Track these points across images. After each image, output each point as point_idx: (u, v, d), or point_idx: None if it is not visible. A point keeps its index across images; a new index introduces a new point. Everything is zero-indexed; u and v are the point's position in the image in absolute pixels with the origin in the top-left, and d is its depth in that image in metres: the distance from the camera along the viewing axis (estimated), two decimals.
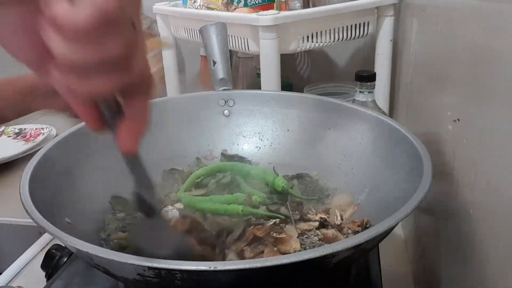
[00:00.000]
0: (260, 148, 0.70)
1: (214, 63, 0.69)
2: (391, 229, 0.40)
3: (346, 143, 0.63)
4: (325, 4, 0.87)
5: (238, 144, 0.71)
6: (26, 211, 0.42)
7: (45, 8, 0.25)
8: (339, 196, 0.60)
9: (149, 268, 0.35)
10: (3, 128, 1.16)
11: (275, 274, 0.36)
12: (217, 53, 0.69)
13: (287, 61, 1.20)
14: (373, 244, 0.42)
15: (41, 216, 0.41)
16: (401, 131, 0.54)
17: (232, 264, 0.35)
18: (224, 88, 0.70)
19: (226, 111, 0.71)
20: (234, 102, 0.71)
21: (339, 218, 0.54)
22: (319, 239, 0.51)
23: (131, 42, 0.27)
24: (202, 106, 0.71)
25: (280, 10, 0.85)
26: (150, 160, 0.65)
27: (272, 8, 0.90)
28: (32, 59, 0.28)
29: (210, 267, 0.33)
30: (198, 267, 0.34)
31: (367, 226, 0.52)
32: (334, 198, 0.60)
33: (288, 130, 0.69)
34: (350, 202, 0.58)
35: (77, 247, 0.37)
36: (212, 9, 0.91)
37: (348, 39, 0.91)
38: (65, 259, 0.56)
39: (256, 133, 0.71)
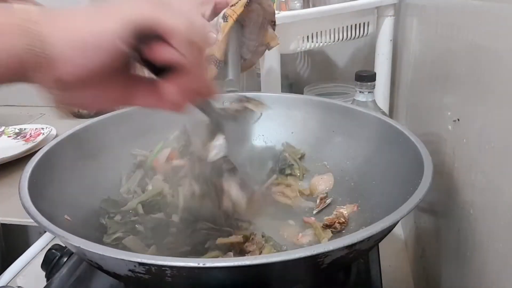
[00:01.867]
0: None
1: (225, 63, 0.69)
2: (388, 230, 0.40)
3: (350, 145, 0.63)
4: (325, 4, 0.87)
5: None
6: (23, 206, 0.42)
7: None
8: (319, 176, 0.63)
9: (140, 264, 0.35)
10: (3, 128, 1.16)
11: (265, 272, 0.36)
12: (228, 53, 0.69)
13: (287, 61, 1.20)
14: (368, 245, 0.41)
15: (37, 211, 0.41)
16: (403, 133, 0.54)
17: (221, 261, 0.35)
18: (231, 89, 0.70)
19: None
20: None
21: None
22: None
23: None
24: None
25: (280, 10, 0.85)
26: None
27: None
28: (117, 102, 0.38)
29: (199, 264, 0.33)
30: (187, 264, 0.34)
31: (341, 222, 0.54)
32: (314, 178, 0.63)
33: (292, 133, 0.69)
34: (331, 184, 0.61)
35: (70, 242, 0.37)
36: None
37: (348, 39, 0.91)
38: (65, 259, 0.56)
39: (260, 135, 0.71)
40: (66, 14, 0.32)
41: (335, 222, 0.54)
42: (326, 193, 0.60)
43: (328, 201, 0.58)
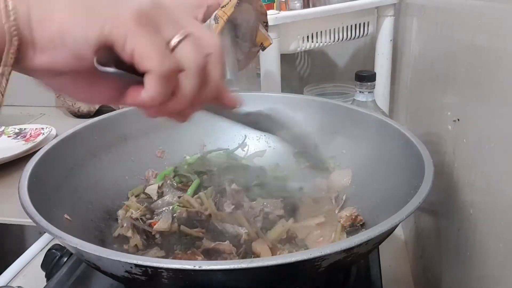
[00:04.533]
0: (265, 150, 0.70)
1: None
2: (387, 233, 0.39)
3: (350, 146, 0.63)
4: (325, 4, 0.87)
5: (243, 146, 0.71)
6: (22, 205, 0.42)
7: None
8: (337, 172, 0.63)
9: (136, 265, 0.35)
10: (3, 128, 1.16)
11: (262, 275, 0.36)
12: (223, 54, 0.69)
13: (287, 61, 1.20)
14: (367, 248, 0.41)
15: (35, 211, 0.41)
16: (404, 133, 0.54)
17: (217, 264, 0.35)
18: (230, 89, 0.70)
19: None
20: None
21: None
22: None
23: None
24: None
25: (280, 10, 0.85)
26: (155, 159, 0.66)
27: (272, 8, 0.90)
28: (109, 100, 0.36)
29: (195, 266, 0.33)
30: (183, 266, 0.34)
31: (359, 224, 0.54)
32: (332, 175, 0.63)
33: None
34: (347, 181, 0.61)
35: (67, 242, 0.37)
36: None
37: (348, 39, 0.91)
38: (65, 259, 0.56)
39: (262, 136, 0.71)
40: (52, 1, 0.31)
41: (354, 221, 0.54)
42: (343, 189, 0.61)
43: (344, 197, 0.59)
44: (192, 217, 0.54)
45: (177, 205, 0.57)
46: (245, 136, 0.71)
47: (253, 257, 0.48)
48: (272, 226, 0.54)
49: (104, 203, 0.58)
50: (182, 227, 0.52)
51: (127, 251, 0.51)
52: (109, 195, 0.59)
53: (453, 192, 0.48)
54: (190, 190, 0.59)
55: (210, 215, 0.53)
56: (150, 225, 0.54)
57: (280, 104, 0.70)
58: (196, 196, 0.58)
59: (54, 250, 0.58)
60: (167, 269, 0.34)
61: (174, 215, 0.55)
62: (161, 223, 0.52)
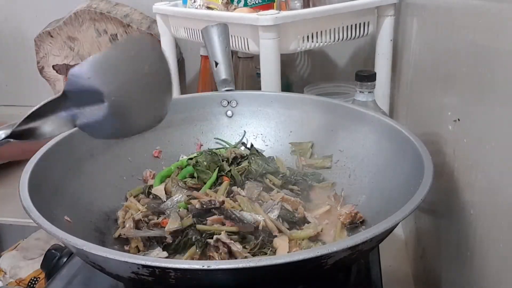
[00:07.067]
0: (262, 149, 0.70)
1: (216, 64, 0.69)
2: (389, 230, 0.40)
3: (349, 144, 0.63)
4: (325, 4, 0.87)
5: (240, 145, 0.71)
6: (24, 208, 0.42)
7: None
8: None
9: (143, 266, 0.35)
10: None
11: (269, 274, 0.36)
12: (219, 54, 0.69)
13: (287, 61, 1.20)
14: (371, 246, 0.42)
15: (38, 214, 0.41)
16: (404, 133, 0.54)
17: (225, 263, 0.35)
18: (226, 88, 0.71)
19: (229, 112, 0.71)
20: (237, 103, 0.71)
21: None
22: None
23: None
24: (205, 106, 0.71)
25: (280, 10, 0.85)
26: (152, 159, 0.66)
27: (272, 8, 0.90)
28: None
29: (203, 266, 0.33)
30: (192, 266, 0.34)
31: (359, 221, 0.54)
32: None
33: (291, 132, 0.69)
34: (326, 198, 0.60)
35: (73, 244, 0.37)
36: (212, 8, 0.91)
37: (348, 39, 0.91)
38: (65, 259, 0.56)
39: (259, 134, 0.71)
40: None
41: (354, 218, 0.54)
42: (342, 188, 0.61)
43: (342, 193, 0.59)
44: (206, 207, 0.52)
45: (184, 203, 0.55)
46: (244, 132, 0.71)
47: (270, 250, 0.48)
48: (287, 217, 0.53)
49: (103, 204, 0.57)
50: (199, 226, 0.50)
51: (128, 252, 0.51)
52: (108, 196, 0.59)
53: (454, 192, 0.48)
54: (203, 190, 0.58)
55: (223, 201, 0.52)
56: (156, 225, 0.53)
57: (278, 102, 0.70)
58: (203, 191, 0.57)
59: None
60: (175, 269, 0.34)
61: (186, 207, 0.54)
62: (171, 223, 0.51)
